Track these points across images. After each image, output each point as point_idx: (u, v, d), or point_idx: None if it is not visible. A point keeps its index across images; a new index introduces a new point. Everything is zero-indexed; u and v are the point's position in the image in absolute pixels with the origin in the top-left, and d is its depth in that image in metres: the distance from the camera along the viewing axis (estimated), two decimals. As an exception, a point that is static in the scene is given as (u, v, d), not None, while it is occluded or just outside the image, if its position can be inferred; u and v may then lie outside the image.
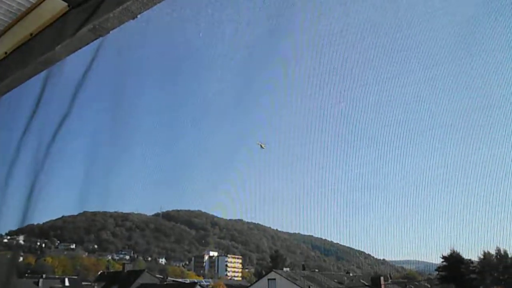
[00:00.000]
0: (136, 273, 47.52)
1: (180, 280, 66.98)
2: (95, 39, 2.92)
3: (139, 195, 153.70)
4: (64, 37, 2.91)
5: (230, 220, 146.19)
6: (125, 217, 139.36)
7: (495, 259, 62.06)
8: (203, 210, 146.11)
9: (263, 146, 49.40)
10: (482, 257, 62.44)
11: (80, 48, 3.07)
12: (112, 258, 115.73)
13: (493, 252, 62.76)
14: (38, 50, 3.15)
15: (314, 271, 64.14)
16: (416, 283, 65.07)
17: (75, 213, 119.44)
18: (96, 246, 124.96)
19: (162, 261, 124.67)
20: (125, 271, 51.46)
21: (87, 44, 3.05)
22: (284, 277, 49.14)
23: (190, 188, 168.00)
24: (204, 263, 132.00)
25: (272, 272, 52.31)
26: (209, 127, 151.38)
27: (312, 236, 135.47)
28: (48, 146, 3.32)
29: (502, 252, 62.22)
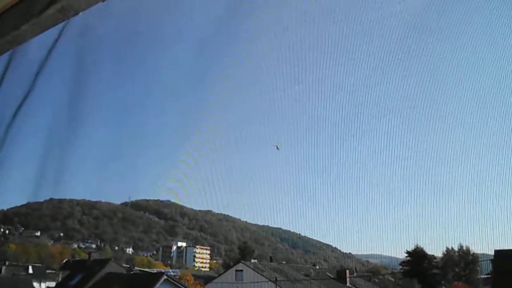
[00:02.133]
0: (102, 262, 46.87)
1: (147, 269, 66.60)
2: (63, 20, 2.87)
3: (87, 178, 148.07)
4: (31, 16, 2.85)
5: (199, 211, 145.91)
6: (92, 205, 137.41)
7: (457, 256, 63.86)
8: (172, 200, 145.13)
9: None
10: (445, 253, 64.21)
11: (47, 28, 3.00)
12: (78, 247, 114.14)
13: (455, 248, 64.64)
14: (4, 29, 3.07)
15: (282, 263, 64.75)
16: (381, 276, 66.39)
17: (30, 200, 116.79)
18: (61, 234, 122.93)
19: (129, 250, 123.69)
20: (91, 259, 50.80)
21: (55, 24, 2.99)
22: (252, 269, 49.40)
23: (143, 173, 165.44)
24: (172, 254, 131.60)
25: (240, 264, 52.51)
26: (165, 107, 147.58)
27: (280, 228, 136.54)
28: (8, 126, 3.26)
29: (464, 248, 64.12)
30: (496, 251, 25.57)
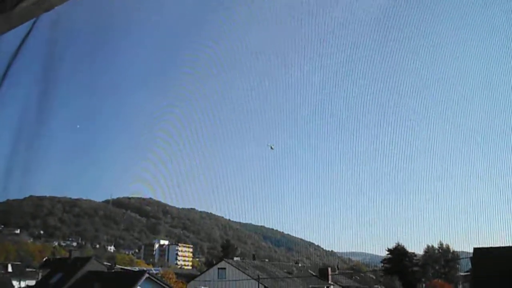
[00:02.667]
0: (83, 260, 46.40)
1: (128, 268, 66.07)
2: (37, 13, 2.79)
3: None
4: (4, 9, 2.77)
5: (182, 209, 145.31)
6: (73, 203, 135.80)
7: (437, 253, 64.72)
8: (154, 198, 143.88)
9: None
10: (426, 250, 65.03)
11: (22, 22, 2.93)
12: (59, 245, 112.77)
13: (436, 246, 65.50)
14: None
15: (264, 261, 64.87)
16: (362, 274, 66.98)
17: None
18: (42, 232, 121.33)
19: (111, 248, 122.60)
20: (72, 258, 50.23)
21: (31, 18, 2.92)
22: (234, 267, 49.41)
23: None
24: (154, 252, 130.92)
25: (223, 262, 52.48)
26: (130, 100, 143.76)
27: (263, 226, 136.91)
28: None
29: (444, 246, 65.01)
30: (475, 249, 25.99)
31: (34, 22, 2.90)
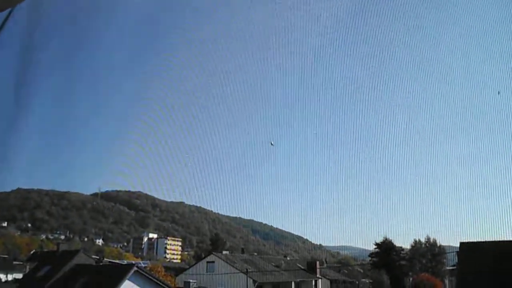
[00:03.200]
0: (71, 253, 46.07)
1: (117, 261, 65.84)
2: (20, 1, 2.74)
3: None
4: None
5: (171, 202, 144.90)
6: (61, 195, 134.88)
7: (424, 247, 65.26)
8: (143, 191, 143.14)
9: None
10: (413, 245, 65.56)
11: (3, 8, 2.87)
12: (47, 238, 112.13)
13: (423, 240, 66.02)
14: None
15: (253, 254, 65.05)
16: (350, 267, 67.47)
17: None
18: (29, 225, 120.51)
19: (99, 241, 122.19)
20: (60, 251, 49.88)
21: (12, 5, 2.86)
22: (223, 260, 49.51)
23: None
24: (143, 245, 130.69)
25: (211, 255, 52.55)
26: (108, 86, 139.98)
27: (253, 220, 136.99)
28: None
29: (431, 240, 65.55)
30: (462, 244, 26.22)
31: (13, 8, 2.85)
